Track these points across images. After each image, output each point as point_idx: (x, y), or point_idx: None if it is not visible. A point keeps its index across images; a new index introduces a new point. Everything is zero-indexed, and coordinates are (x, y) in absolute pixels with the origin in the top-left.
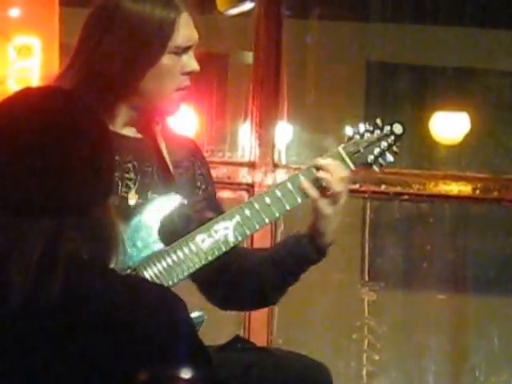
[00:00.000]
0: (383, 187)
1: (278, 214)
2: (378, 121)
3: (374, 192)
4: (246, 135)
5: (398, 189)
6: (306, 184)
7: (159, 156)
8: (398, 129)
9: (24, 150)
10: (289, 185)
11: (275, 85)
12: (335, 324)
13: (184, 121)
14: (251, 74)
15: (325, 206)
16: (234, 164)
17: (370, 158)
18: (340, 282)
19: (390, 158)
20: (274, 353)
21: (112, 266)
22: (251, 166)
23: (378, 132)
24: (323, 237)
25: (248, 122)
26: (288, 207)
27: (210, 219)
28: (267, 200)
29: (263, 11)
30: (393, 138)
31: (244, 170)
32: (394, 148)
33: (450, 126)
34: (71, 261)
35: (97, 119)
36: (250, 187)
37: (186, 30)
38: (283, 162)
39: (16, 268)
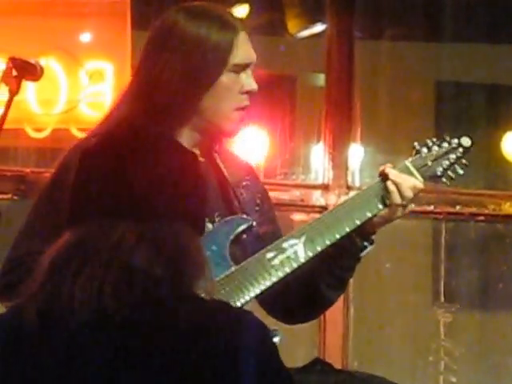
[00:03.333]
0: (458, 208)
1: (348, 229)
2: (446, 136)
3: (449, 213)
4: (318, 158)
5: (473, 209)
6: (391, 187)
7: (221, 179)
8: (465, 141)
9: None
10: (358, 200)
11: (348, 106)
12: (411, 346)
13: (256, 144)
14: (322, 95)
15: (396, 212)
16: (308, 186)
17: (439, 170)
18: (414, 304)
19: (459, 170)
20: (353, 375)
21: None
22: (325, 188)
23: (445, 145)
24: (372, 229)
25: (321, 144)
26: (358, 222)
27: (267, 233)
28: (337, 216)
29: (335, 33)
30: (461, 150)
31: (317, 193)
32: (464, 161)
33: None
34: (148, 278)
35: (185, 151)
36: (323, 210)
37: (244, 49)
38: (357, 184)
39: (89, 278)
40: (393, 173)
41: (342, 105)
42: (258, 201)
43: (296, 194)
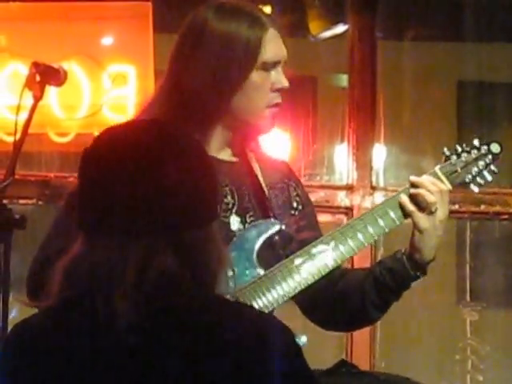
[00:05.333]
0: (483, 207)
1: (376, 237)
2: (476, 141)
3: (474, 212)
4: (342, 158)
5: (498, 208)
6: (403, 198)
7: (254, 180)
8: (495, 148)
9: (126, 178)
10: (386, 206)
11: (371, 106)
12: (437, 345)
13: (280, 145)
14: (344, 96)
15: (421, 219)
16: (332, 187)
17: (468, 177)
18: (439, 303)
19: (488, 176)
20: (378, 377)
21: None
22: (349, 189)
23: (475, 152)
24: (421, 253)
25: (344, 144)
26: (386, 229)
27: (307, 239)
28: (365, 223)
29: (357, 33)
30: (490, 157)
31: (342, 194)
32: (492, 167)
33: None
34: (169, 283)
35: (195, 147)
36: (348, 210)
37: (273, 46)
38: (381, 184)
39: (114, 289)
40: (418, 178)
41: (365, 105)
42: (296, 204)
43: (321, 195)
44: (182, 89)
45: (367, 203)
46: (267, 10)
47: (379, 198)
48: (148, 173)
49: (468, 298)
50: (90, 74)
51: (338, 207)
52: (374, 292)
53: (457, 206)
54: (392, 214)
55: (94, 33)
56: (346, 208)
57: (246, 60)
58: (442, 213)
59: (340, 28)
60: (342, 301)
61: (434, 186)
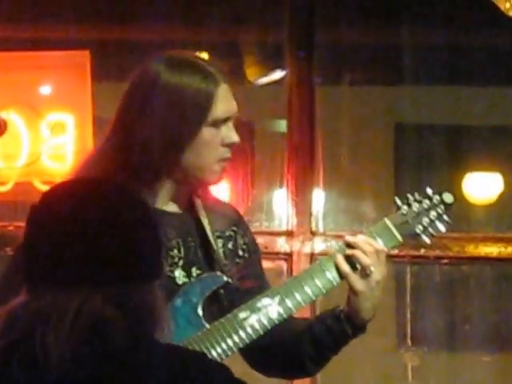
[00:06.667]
0: (422, 251)
1: (324, 290)
2: (428, 190)
3: (413, 256)
4: (282, 204)
5: (438, 252)
6: (339, 259)
7: (201, 230)
8: (448, 198)
9: (70, 234)
10: (324, 265)
11: (310, 152)
12: None
13: (218, 191)
14: (282, 141)
15: (356, 281)
16: (272, 233)
17: (419, 228)
18: (380, 349)
19: (440, 227)
20: None
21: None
22: (289, 234)
23: (427, 202)
24: (360, 314)
25: (283, 190)
26: (335, 282)
27: (251, 289)
28: (312, 275)
29: (295, 79)
30: (442, 207)
31: (281, 240)
32: (445, 217)
33: (484, 186)
34: (105, 337)
35: (140, 207)
36: (288, 256)
37: (224, 103)
38: (321, 229)
39: (50, 335)
40: (352, 237)
41: (304, 150)
42: (241, 253)
43: (260, 242)
44: (131, 144)
45: (307, 249)
46: (204, 56)
47: (319, 243)
48: (91, 229)
49: (409, 342)
50: (28, 123)
51: (278, 253)
52: (313, 350)
53: (396, 250)
54: (328, 275)
55: (31, 82)
56: (286, 254)
57: (197, 117)
58: (378, 274)
59: (277, 74)
60: (279, 353)
61: (369, 246)
